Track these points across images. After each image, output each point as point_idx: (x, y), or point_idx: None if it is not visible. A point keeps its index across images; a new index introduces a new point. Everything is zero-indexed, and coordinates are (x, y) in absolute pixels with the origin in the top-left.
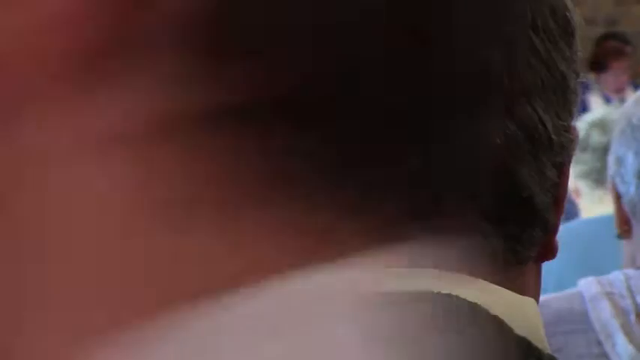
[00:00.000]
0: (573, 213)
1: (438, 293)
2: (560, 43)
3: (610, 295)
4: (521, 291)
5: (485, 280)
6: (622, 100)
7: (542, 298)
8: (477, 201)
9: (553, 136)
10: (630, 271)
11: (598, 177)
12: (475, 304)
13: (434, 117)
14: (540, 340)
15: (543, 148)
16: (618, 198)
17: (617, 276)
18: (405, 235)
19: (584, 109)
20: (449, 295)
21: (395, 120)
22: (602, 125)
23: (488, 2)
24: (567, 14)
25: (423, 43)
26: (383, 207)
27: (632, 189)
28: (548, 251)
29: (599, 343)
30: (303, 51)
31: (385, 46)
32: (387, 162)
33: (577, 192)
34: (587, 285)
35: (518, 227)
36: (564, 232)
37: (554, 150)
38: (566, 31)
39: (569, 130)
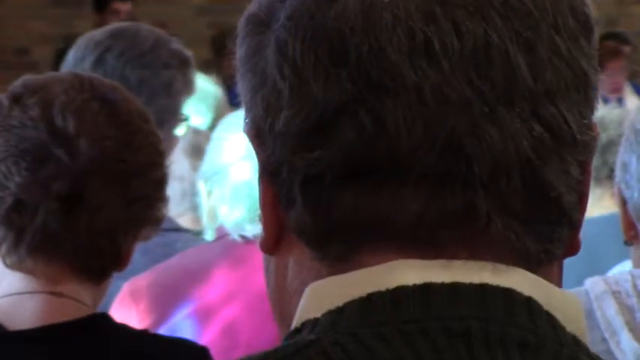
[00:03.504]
0: None
1: (497, 286)
2: (580, 39)
3: (616, 294)
4: None
5: None
6: (619, 100)
7: None
8: (507, 203)
9: (577, 135)
10: (637, 271)
11: (597, 175)
12: (530, 298)
13: (464, 122)
14: (584, 335)
15: (568, 147)
16: (624, 204)
17: (623, 275)
18: (439, 241)
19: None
20: (507, 289)
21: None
22: (600, 124)
23: (511, 7)
24: (586, 10)
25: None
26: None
27: (637, 194)
28: (573, 247)
29: (604, 340)
30: None
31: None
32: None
33: None
34: (593, 283)
35: (548, 227)
36: None
37: (579, 149)
38: (586, 27)
39: (592, 127)
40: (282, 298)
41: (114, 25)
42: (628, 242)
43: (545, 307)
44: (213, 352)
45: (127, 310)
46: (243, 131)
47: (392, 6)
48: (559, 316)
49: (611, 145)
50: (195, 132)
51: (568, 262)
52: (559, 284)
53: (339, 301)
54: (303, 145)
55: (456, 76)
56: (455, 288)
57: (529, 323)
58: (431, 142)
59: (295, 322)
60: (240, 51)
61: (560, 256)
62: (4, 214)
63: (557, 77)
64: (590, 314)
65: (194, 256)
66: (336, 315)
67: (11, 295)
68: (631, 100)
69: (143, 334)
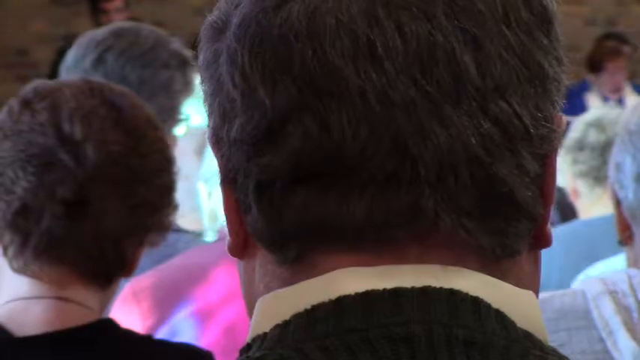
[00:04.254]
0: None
1: (441, 288)
2: (535, 32)
3: (613, 294)
4: (518, 281)
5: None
6: (620, 100)
7: (544, 294)
8: (457, 201)
9: (531, 129)
10: (633, 271)
11: (597, 175)
12: (477, 298)
13: (410, 123)
14: (541, 331)
15: (521, 141)
16: (618, 204)
17: (620, 275)
18: (390, 239)
19: (583, 108)
20: (451, 291)
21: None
22: (599, 124)
23: (457, 5)
24: (544, 2)
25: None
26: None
27: (631, 194)
28: (542, 240)
29: (602, 340)
30: None
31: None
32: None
33: (576, 192)
34: (590, 284)
35: (502, 222)
36: (565, 232)
37: (534, 142)
38: (544, 19)
39: (551, 120)
40: (252, 302)
41: (115, 24)
42: (622, 242)
43: (495, 305)
44: (213, 353)
45: (129, 309)
46: (206, 137)
47: (335, 10)
48: (511, 313)
49: (611, 145)
50: (203, 131)
51: (568, 262)
52: (531, 278)
53: (285, 314)
54: (255, 151)
55: (401, 78)
56: (397, 293)
57: (475, 323)
58: (376, 145)
59: (248, 337)
60: (200, 57)
61: (527, 250)
62: (10, 218)
63: (508, 72)
64: (587, 314)
65: (196, 257)
66: (283, 329)
67: (17, 299)
68: (631, 100)
69: (149, 339)
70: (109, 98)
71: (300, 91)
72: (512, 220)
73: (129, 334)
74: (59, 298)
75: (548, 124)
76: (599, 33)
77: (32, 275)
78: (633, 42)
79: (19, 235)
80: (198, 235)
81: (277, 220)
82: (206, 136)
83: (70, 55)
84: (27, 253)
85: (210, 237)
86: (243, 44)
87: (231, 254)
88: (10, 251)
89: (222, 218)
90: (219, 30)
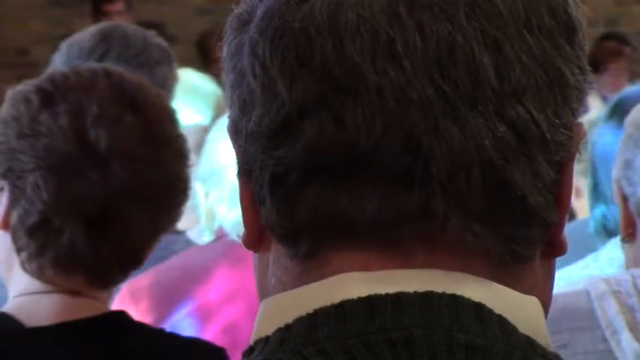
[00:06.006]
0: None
1: (443, 293)
2: (558, 40)
3: (616, 294)
4: (530, 287)
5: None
6: None
7: None
8: (466, 203)
9: (547, 135)
10: (636, 271)
11: None
12: (479, 303)
13: (424, 122)
14: (543, 337)
15: (537, 147)
16: (624, 201)
17: (623, 275)
18: (398, 239)
19: (584, 109)
20: (453, 296)
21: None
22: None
23: (479, 8)
24: (569, 10)
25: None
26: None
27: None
28: (556, 248)
29: (605, 340)
30: None
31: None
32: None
33: (577, 191)
34: (594, 283)
35: (512, 227)
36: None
37: (551, 148)
38: (567, 27)
39: (570, 127)
40: (265, 295)
41: (97, 27)
42: (625, 239)
43: (498, 311)
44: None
45: (126, 309)
46: (227, 129)
47: (357, 7)
48: (513, 318)
49: None
50: (198, 130)
51: (568, 261)
52: (544, 286)
53: (288, 317)
54: (271, 144)
55: (418, 76)
56: (399, 298)
57: (477, 328)
58: (389, 142)
59: (251, 340)
60: (224, 50)
61: (544, 256)
62: (29, 227)
63: (526, 77)
64: (591, 314)
65: (194, 256)
66: (285, 333)
67: (28, 294)
68: None
69: (161, 332)
70: (131, 98)
71: (318, 85)
72: (523, 225)
73: (140, 327)
74: (70, 292)
75: (566, 132)
76: (600, 33)
77: (46, 280)
78: (633, 42)
79: (35, 243)
80: (182, 232)
81: (290, 213)
82: (202, 135)
83: (56, 62)
84: (42, 260)
85: (207, 236)
86: (265, 36)
87: (246, 247)
88: (24, 254)
89: (219, 217)
90: (244, 22)
